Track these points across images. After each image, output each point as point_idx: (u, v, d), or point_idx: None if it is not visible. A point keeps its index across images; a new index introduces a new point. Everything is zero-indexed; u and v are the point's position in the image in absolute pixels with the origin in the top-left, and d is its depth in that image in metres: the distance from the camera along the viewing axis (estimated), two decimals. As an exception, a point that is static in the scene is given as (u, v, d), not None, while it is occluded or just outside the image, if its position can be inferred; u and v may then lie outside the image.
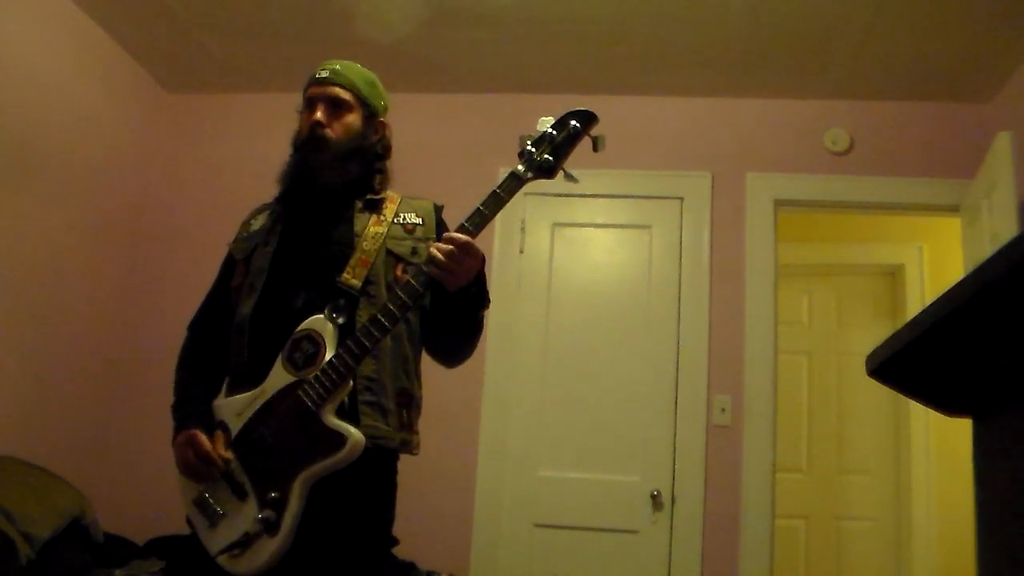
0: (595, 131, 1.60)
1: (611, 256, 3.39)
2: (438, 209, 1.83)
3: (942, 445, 3.92)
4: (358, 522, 1.62)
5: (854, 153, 3.36)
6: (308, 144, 1.74)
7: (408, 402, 1.72)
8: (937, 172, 3.27)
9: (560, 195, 3.37)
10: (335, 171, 1.73)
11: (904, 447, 4.09)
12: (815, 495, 4.21)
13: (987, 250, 2.71)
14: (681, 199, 3.38)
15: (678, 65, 3.27)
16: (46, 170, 3.03)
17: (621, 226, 3.41)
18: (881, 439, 4.20)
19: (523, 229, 3.41)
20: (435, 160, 3.42)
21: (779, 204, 3.35)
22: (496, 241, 3.35)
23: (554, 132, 1.58)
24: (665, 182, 3.41)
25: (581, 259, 3.40)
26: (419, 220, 1.78)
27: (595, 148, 1.60)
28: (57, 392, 3.12)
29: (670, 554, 3.06)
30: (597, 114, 1.60)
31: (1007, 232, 2.58)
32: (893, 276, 4.32)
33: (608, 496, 3.14)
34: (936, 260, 4.11)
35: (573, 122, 1.58)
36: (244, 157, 3.57)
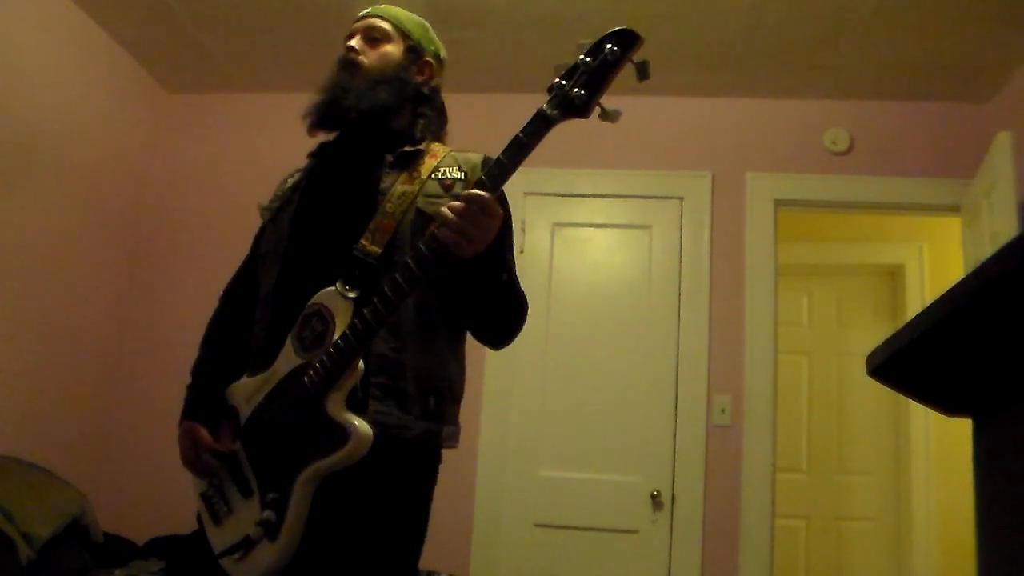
0: (638, 56, 1.28)
1: (611, 256, 3.39)
2: (488, 163, 1.48)
3: (942, 445, 3.92)
4: (374, 528, 1.40)
5: (854, 153, 3.36)
6: (339, 69, 1.59)
7: (433, 386, 1.46)
8: (937, 172, 3.27)
9: (560, 195, 3.35)
10: (363, 94, 1.55)
11: (904, 447, 4.09)
12: (815, 495, 4.21)
13: (987, 250, 2.71)
14: (681, 199, 3.38)
15: (678, 65, 3.27)
16: (46, 170, 3.03)
17: (621, 226, 3.41)
18: (881, 439, 4.20)
19: (523, 229, 3.40)
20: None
21: (779, 204, 3.35)
22: (496, 241, 3.34)
23: (589, 59, 1.27)
24: (665, 182, 3.41)
25: (581, 259, 3.39)
26: (460, 175, 1.52)
27: (640, 76, 1.28)
28: (57, 392, 3.12)
29: (670, 554, 3.06)
30: (640, 34, 1.28)
31: (1007, 232, 2.58)
32: (893, 276, 4.33)
33: (608, 496, 3.14)
34: (936, 260, 4.11)
35: (609, 45, 1.26)
36: (244, 157, 3.57)
